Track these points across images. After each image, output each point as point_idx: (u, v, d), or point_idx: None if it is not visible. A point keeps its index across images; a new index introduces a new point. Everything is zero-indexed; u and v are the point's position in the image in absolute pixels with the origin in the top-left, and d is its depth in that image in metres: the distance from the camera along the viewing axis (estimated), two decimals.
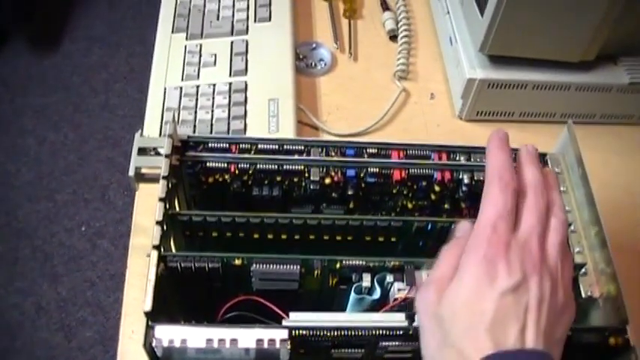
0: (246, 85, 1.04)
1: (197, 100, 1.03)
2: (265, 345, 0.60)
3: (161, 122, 1.00)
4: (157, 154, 0.75)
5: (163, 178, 0.70)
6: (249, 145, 0.77)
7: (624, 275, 0.68)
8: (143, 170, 0.77)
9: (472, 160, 0.78)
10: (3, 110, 2.25)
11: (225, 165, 0.76)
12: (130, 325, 0.86)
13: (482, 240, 0.56)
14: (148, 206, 0.68)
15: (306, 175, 0.76)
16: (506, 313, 0.53)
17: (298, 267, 0.68)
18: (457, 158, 0.78)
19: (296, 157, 0.76)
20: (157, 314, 0.62)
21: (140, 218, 0.94)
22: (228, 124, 1.00)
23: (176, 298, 0.72)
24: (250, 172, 0.76)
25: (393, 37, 1.22)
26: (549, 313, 0.55)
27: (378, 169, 0.76)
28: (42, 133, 2.21)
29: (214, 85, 1.04)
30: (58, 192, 2.09)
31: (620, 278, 0.67)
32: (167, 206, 0.70)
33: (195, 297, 0.73)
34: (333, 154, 0.77)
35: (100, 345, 1.82)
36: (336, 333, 0.63)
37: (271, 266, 0.67)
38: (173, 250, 0.74)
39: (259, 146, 0.77)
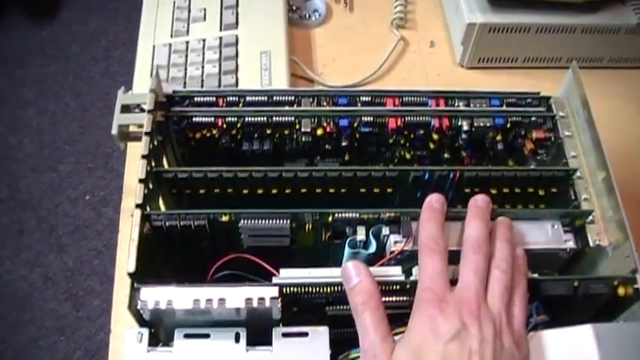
0: (237, 39, 1.01)
1: (187, 56, 0.99)
2: (255, 304, 0.58)
3: None
4: (142, 110, 0.72)
5: (146, 134, 0.67)
6: (237, 98, 0.74)
7: (634, 225, 0.65)
8: (131, 129, 0.74)
9: (471, 105, 0.75)
10: (2, 83, 2.22)
11: (212, 119, 0.73)
12: (122, 290, 0.83)
13: (422, 302, 0.58)
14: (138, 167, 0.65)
15: (297, 126, 0.73)
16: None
17: (288, 221, 0.65)
18: (455, 104, 0.75)
19: (286, 108, 0.73)
20: (144, 276, 0.60)
21: (131, 179, 0.91)
22: (220, 79, 0.96)
23: (165, 259, 0.70)
24: (239, 125, 0.73)
25: None
26: (494, 355, 0.55)
27: (372, 118, 0.73)
28: (43, 103, 2.17)
29: (204, 40, 1.01)
30: (61, 162, 2.07)
31: (630, 229, 0.64)
32: (152, 164, 0.67)
33: (184, 257, 0.70)
34: (325, 103, 0.74)
35: (108, 313, 1.80)
36: (329, 289, 0.60)
37: (260, 221, 0.65)
38: (163, 209, 0.71)
39: (247, 98, 0.74)
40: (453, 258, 0.61)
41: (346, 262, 0.61)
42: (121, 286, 0.84)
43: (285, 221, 0.65)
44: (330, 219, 0.65)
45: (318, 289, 0.60)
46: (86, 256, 1.91)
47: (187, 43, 1.01)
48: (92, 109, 2.14)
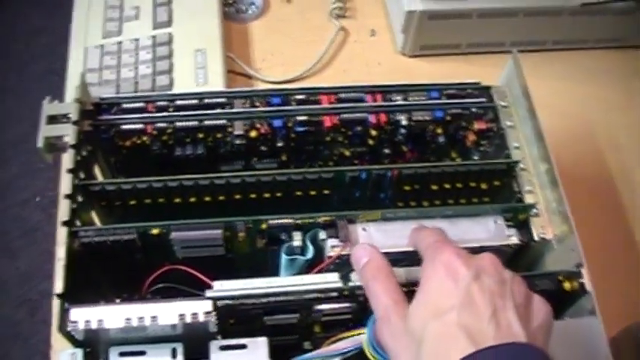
0: (170, 37, 0.98)
1: (120, 57, 0.96)
2: (188, 319, 0.56)
3: None
4: (70, 120, 0.69)
5: (72, 146, 0.65)
6: (167, 102, 0.71)
7: (580, 210, 0.64)
8: (64, 139, 0.71)
9: (409, 99, 0.73)
10: None
11: (142, 126, 0.71)
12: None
13: (434, 253, 0.55)
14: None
15: (230, 129, 0.71)
16: (474, 301, 0.51)
17: (220, 231, 0.63)
18: (393, 98, 0.73)
19: (217, 110, 0.71)
20: (80, 291, 0.58)
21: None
22: (154, 80, 0.94)
23: (100, 272, 0.68)
24: (169, 131, 0.71)
25: None
26: (515, 295, 0.52)
27: (306, 117, 0.71)
28: None
29: (137, 40, 0.98)
30: (9, 164, 2.02)
31: (576, 215, 0.63)
32: (81, 176, 0.65)
33: (120, 269, 0.68)
34: (258, 104, 0.72)
35: None
36: (264, 300, 0.59)
37: (191, 233, 0.63)
38: (98, 223, 0.69)
39: (178, 102, 0.72)
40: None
41: (356, 246, 0.60)
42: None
43: (217, 231, 0.63)
44: (264, 226, 0.63)
45: (254, 300, 0.58)
46: (38, 260, 1.86)
47: (120, 43, 0.98)
48: (38, 107, 2.08)
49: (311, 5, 1.12)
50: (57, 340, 0.79)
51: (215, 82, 0.93)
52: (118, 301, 0.70)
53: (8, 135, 2.06)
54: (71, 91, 0.91)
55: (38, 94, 2.02)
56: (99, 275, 0.68)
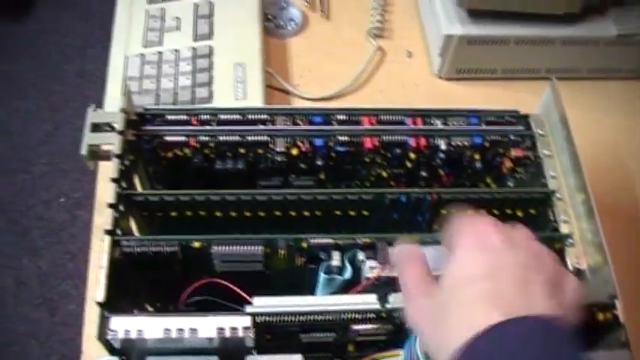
0: (211, 50, 0.99)
1: (160, 67, 0.97)
2: (227, 334, 0.57)
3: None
4: (112, 129, 0.70)
5: (116, 156, 0.66)
6: (209, 116, 0.72)
7: (613, 241, 0.64)
8: (103, 147, 0.72)
9: (449, 124, 0.74)
10: None
11: (185, 138, 0.71)
12: (94, 310, 0.81)
13: (464, 225, 0.56)
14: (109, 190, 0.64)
15: (272, 145, 0.72)
16: (505, 272, 0.51)
17: (261, 247, 0.63)
18: (433, 122, 0.74)
19: (260, 127, 0.72)
20: (116, 301, 0.59)
21: (103, 196, 0.89)
22: (193, 92, 0.94)
23: (139, 283, 0.69)
24: (212, 144, 0.72)
25: None
26: (547, 269, 0.53)
27: (347, 138, 0.72)
28: (13, 102, 2.14)
29: (178, 51, 0.99)
30: (34, 163, 2.03)
31: (609, 245, 0.63)
32: (123, 186, 0.66)
33: (158, 281, 0.69)
34: (299, 122, 0.73)
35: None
36: (302, 318, 0.59)
37: (232, 248, 0.63)
38: (135, 231, 0.70)
39: (221, 117, 0.73)
40: None
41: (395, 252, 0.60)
42: (93, 305, 0.81)
43: (258, 247, 0.63)
44: (305, 244, 0.64)
45: (292, 317, 0.59)
46: (61, 260, 1.88)
47: (160, 53, 0.99)
48: (65, 109, 2.11)
49: (349, 24, 1.13)
50: (89, 348, 0.79)
51: (254, 96, 0.94)
52: (151, 310, 0.71)
53: (32, 135, 2.08)
54: (111, 99, 0.92)
55: (63, 96, 2.05)
56: (135, 284, 0.68)
